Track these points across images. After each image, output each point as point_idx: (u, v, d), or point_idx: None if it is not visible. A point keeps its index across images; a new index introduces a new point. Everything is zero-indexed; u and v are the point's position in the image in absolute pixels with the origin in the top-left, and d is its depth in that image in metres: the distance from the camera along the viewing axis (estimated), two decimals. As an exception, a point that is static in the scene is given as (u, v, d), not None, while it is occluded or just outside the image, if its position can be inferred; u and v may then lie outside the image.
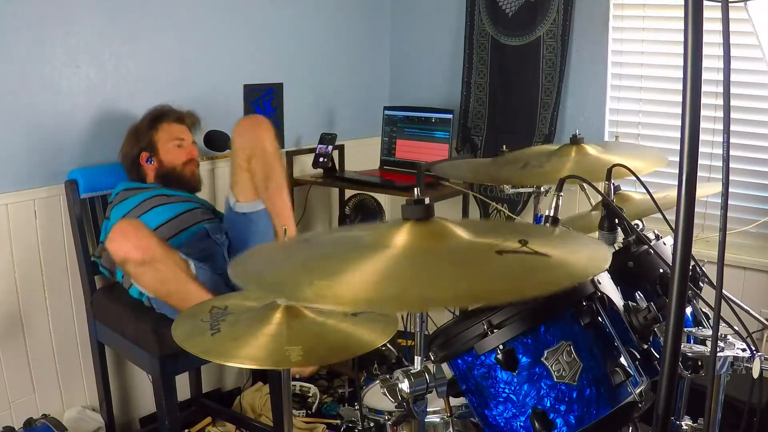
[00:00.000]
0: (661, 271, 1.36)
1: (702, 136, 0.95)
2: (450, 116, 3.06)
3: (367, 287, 0.98)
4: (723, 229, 0.90)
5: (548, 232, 1.27)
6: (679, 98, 0.87)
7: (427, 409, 1.12)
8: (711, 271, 1.17)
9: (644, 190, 1.50)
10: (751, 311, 1.40)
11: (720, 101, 2.38)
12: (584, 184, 1.41)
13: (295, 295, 1.03)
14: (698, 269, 1.40)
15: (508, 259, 1.02)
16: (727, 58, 0.91)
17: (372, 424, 1.48)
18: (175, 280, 1.98)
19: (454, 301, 1.15)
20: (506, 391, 1.10)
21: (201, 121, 2.50)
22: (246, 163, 2.30)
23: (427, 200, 1.09)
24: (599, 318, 1.13)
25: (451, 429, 1.41)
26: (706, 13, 0.75)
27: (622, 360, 1.11)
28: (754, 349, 1.22)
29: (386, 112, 3.27)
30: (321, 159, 2.96)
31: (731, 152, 0.94)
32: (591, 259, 1.08)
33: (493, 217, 3.20)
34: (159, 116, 2.38)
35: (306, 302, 1.13)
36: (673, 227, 0.80)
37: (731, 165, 0.97)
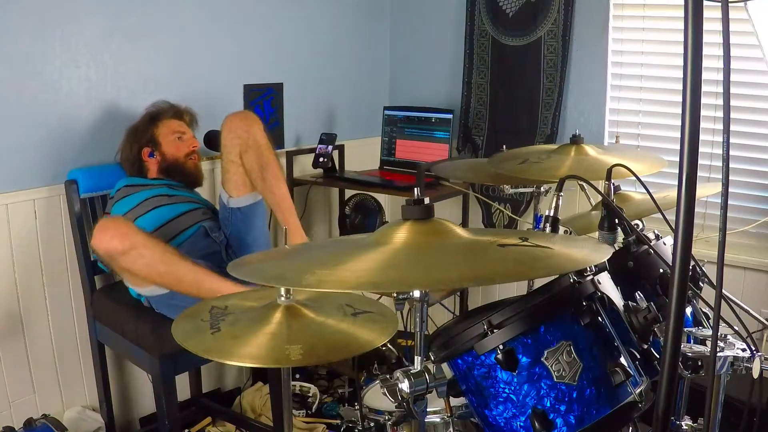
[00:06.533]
0: (661, 271, 1.36)
1: (702, 136, 0.95)
2: (450, 116, 3.06)
3: (371, 273, 0.98)
4: (723, 229, 0.90)
5: (549, 235, 1.28)
6: (679, 98, 0.87)
7: (427, 409, 1.12)
8: (711, 271, 1.17)
9: (644, 191, 1.50)
10: (751, 311, 1.40)
11: (720, 101, 2.38)
12: (584, 184, 1.41)
13: (298, 282, 1.03)
14: (698, 269, 1.40)
15: (510, 250, 1.02)
16: (727, 58, 0.91)
17: (372, 424, 1.48)
18: (163, 260, 1.96)
19: (459, 282, 1.15)
20: (506, 391, 1.10)
21: (199, 117, 2.50)
22: (238, 158, 2.30)
23: (427, 200, 1.09)
24: (599, 318, 1.13)
25: (451, 429, 1.41)
26: (706, 13, 0.75)
27: (622, 360, 1.11)
28: (754, 349, 1.22)
29: (386, 112, 3.27)
30: (321, 159, 2.96)
31: (731, 152, 0.94)
32: (592, 251, 1.09)
33: (495, 218, 3.20)
34: (158, 113, 2.40)
35: (308, 287, 1.13)
36: (673, 227, 0.80)
37: (731, 165, 0.97)
